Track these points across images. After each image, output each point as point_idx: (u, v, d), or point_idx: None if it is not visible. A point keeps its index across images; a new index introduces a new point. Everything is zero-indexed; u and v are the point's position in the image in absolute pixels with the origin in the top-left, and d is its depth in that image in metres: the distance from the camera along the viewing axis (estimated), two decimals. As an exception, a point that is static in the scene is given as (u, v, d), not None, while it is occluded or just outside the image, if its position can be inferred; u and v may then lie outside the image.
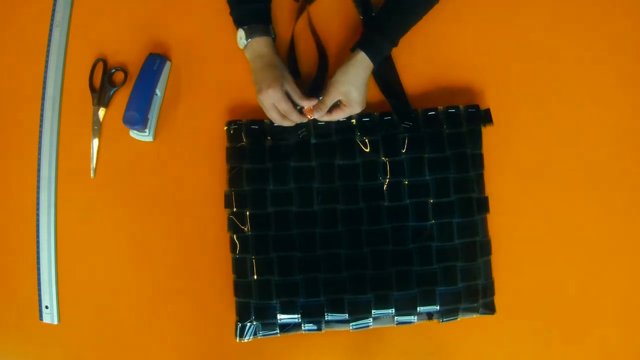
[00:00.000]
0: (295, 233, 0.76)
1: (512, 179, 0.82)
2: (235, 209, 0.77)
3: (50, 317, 0.81)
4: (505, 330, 0.80)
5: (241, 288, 0.76)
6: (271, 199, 0.76)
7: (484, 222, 0.78)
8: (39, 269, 0.82)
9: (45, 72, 0.85)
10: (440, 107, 0.79)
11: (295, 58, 0.83)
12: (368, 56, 0.75)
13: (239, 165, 0.77)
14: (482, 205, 0.78)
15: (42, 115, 0.84)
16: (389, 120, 0.78)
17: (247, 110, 0.83)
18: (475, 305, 0.76)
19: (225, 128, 0.79)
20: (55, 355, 0.82)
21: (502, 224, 0.80)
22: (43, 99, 0.84)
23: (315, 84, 0.81)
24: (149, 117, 0.80)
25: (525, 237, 0.81)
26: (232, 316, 0.78)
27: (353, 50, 0.78)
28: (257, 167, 0.77)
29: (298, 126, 0.78)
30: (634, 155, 0.83)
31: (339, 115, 0.77)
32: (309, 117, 0.77)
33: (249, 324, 0.76)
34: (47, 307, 0.81)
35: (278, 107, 0.74)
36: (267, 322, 0.76)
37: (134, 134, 0.82)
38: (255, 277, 0.76)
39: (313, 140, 0.78)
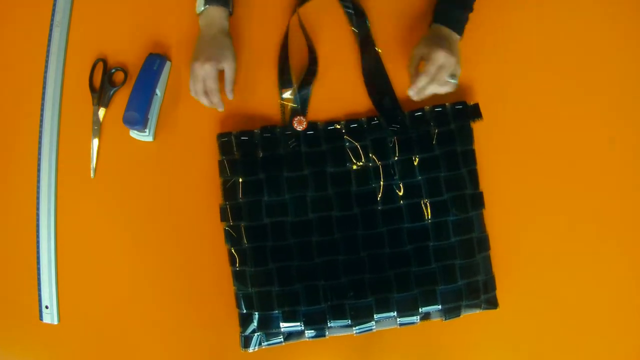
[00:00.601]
0: (292, 243, 0.76)
1: (508, 172, 0.82)
2: (231, 222, 0.77)
3: (50, 317, 0.81)
4: (508, 324, 0.80)
5: (243, 300, 0.77)
6: (266, 210, 0.77)
7: (480, 218, 0.78)
8: (39, 269, 0.82)
9: (45, 72, 0.85)
10: (427, 107, 0.79)
11: (287, 56, 0.82)
12: (450, 29, 0.75)
13: (232, 178, 0.78)
14: (477, 201, 0.78)
15: (42, 115, 0.84)
16: (377, 124, 0.79)
17: (248, 110, 0.83)
18: (477, 301, 0.77)
19: (217, 141, 0.79)
20: (55, 355, 0.82)
21: (500, 219, 0.80)
22: (43, 99, 0.84)
23: (304, 80, 0.81)
24: (149, 117, 0.80)
25: (524, 230, 0.81)
26: (236, 317, 0.78)
27: (432, 26, 0.77)
28: (250, 179, 0.77)
29: (288, 136, 0.78)
30: (625, 146, 0.83)
31: (424, 81, 0.71)
32: (302, 127, 0.78)
33: (253, 335, 0.76)
34: (47, 307, 0.81)
35: (205, 83, 0.74)
36: (270, 331, 0.76)
37: (134, 134, 0.82)
38: (255, 288, 0.76)
39: (304, 150, 0.78)
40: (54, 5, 0.86)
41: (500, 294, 0.79)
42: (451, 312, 0.76)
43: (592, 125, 0.83)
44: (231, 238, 0.77)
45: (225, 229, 0.78)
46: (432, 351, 0.80)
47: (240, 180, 0.77)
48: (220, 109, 0.78)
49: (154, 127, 0.83)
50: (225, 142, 0.78)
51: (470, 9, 0.78)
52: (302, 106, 0.80)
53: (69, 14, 0.86)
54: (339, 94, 0.83)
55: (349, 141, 0.78)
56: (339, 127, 0.79)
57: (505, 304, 0.79)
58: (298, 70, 0.83)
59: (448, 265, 0.76)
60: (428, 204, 0.77)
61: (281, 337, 0.76)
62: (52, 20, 0.86)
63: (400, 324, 0.76)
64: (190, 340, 0.81)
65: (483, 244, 0.78)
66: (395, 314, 0.75)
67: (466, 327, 0.80)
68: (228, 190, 0.78)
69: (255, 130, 0.79)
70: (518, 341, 0.80)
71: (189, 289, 0.81)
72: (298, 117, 0.78)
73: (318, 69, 0.83)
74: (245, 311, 0.76)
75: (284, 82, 0.81)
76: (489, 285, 0.78)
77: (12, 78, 0.86)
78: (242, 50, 0.83)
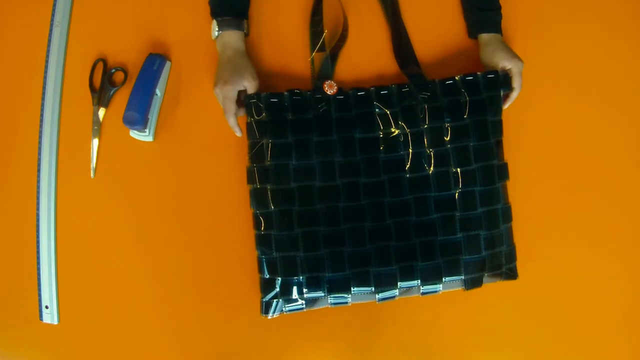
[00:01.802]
0: (319, 208, 0.75)
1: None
2: (258, 185, 0.76)
3: (50, 317, 0.81)
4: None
5: (266, 264, 0.75)
6: (294, 174, 0.75)
7: (504, 189, 0.79)
8: (39, 269, 0.82)
9: (45, 72, 0.85)
10: (457, 76, 0.78)
11: (322, 19, 0.82)
12: (496, 32, 0.81)
13: (260, 140, 0.76)
14: (502, 172, 0.79)
15: (42, 115, 0.84)
16: (407, 91, 0.78)
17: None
18: (499, 272, 0.77)
19: (245, 102, 0.77)
20: (55, 355, 0.82)
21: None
22: (43, 99, 0.84)
23: (336, 46, 0.82)
24: (149, 117, 0.80)
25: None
26: (239, 310, 0.78)
27: (473, 36, 0.84)
28: (279, 141, 0.75)
29: (317, 100, 0.77)
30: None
31: (517, 93, 0.80)
32: (332, 92, 0.77)
33: (273, 300, 0.75)
34: (47, 307, 0.81)
35: (223, 103, 0.75)
36: (291, 297, 0.75)
37: (134, 134, 0.82)
38: (280, 253, 0.75)
39: (334, 114, 0.77)
40: (54, 5, 0.86)
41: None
42: (474, 282, 0.76)
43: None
44: (257, 201, 0.76)
45: (251, 191, 0.77)
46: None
47: (269, 142, 0.75)
48: (238, 134, 0.79)
49: (154, 127, 0.83)
50: (254, 103, 0.76)
51: (500, 7, 0.82)
52: (331, 71, 0.81)
53: (69, 14, 0.86)
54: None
55: (379, 107, 0.77)
56: (369, 93, 0.78)
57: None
58: (329, 36, 0.84)
59: (473, 236, 0.76)
60: (456, 173, 0.76)
61: (302, 303, 0.75)
62: (52, 20, 0.86)
63: (423, 293, 0.76)
64: (190, 340, 0.81)
65: (507, 215, 0.78)
66: (418, 282, 0.75)
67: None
68: (256, 153, 0.77)
69: (285, 93, 0.77)
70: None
71: (188, 288, 0.81)
72: (329, 81, 0.77)
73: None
74: (268, 276, 0.75)
75: (316, 45, 0.81)
76: (510, 256, 0.78)
77: (12, 78, 0.86)
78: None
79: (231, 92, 0.75)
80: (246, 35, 0.81)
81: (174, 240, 0.82)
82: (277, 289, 0.75)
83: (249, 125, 0.77)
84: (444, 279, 0.75)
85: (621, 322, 0.82)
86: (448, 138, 0.77)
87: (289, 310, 0.75)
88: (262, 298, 0.75)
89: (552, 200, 0.84)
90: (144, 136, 0.82)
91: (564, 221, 0.84)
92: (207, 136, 0.83)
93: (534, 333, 0.82)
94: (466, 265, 0.75)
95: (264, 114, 0.76)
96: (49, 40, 0.85)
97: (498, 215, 0.77)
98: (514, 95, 0.80)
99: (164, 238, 0.82)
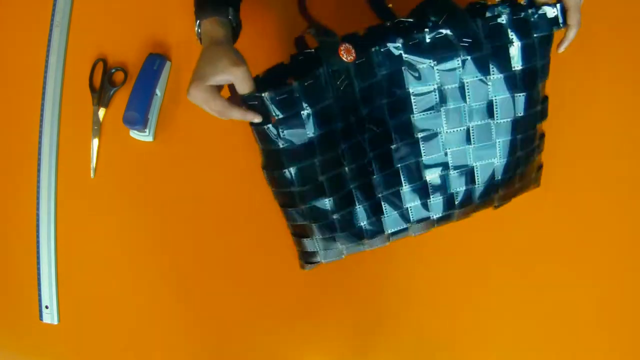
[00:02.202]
0: (351, 187, 0.68)
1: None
2: (279, 189, 0.69)
3: (50, 317, 0.81)
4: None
5: (302, 241, 0.73)
6: (321, 169, 0.66)
7: (541, 127, 0.74)
8: (39, 269, 0.82)
9: (45, 72, 0.85)
10: (502, 13, 0.65)
11: None
12: None
13: (273, 147, 0.64)
14: (544, 112, 0.72)
15: (42, 115, 0.84)
16: (443, 37, 0.64)
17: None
18: (525, 189, 0.77)
19: (245, 105, 0.62)
20: (55, 355, 0.82)
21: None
22: (43, 99, 0.84)
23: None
24: (149, 117, 0.80)
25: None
26: (240, 310, 0.78)
27: None
28: (298, 145, 0.64)
29: (335, 75, 0.62)
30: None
31: (575, 31, 0.67)
32: (351, 58, 0.61)
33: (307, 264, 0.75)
34: (47, 307, 0.81)
35: (208, 108, 0.60)
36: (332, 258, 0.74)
37: (134, 134, 0.82)
38: (316, 236, 0.71)
39: (358, 87, 0.64)
40: (54, 5, 0.86)
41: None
42: (503, 202, 0.75)
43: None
44: (283, 199, 0.69)
45: (269, 174, 0.68)
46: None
47: (285, 148, 0.64)
48: (257, 120, 0.62)
49: (154, 127, 0.83)
50: (256, 105, 0.61)
51: None
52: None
53: (69, 14, 0.86)
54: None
55: (409, 63, 0.65)
56: (396, 46, 0.64)
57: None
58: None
59: (509, 177, 0.72)
60: (498, 125, 0.69)
61: (342, 254, 0.73)
62: (52, 20, 0.86)
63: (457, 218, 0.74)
64: (190, 340, 0.81)
65: (540, 146, 0.75)
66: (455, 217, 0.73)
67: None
68: (270, 161, 0.66)
69: (294, 83, 0.61)
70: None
71: (188, 288, 0.81)
72: (344, 44, 0.61)
73: None
74: (307, 250, 0.72)
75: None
76: (537, 176, 0.77)
77: (12, 78, 0.86)
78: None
79: (202, 93, 0.59)
80: (235, 25, 0.65)
81: (174, 240, 0.82)
82: (318, 257, 0.73)
83: (255, 131, 0.65)
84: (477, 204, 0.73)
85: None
86: (492, 90, 0.67)
87: (327, 260, 0.73)
88: (301, 259, 0.75)
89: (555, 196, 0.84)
90: (144, 136, 0.82)
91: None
92: (207, 136, 0.83)
93: (534, 334, 0.82)
94: (499, 197, 0.73)
95: (272, 115, 0.62)
96: (49, 40, 0.85)
97: (533, 156, 0.73)
98: (571, 34, 0.67)
99: (163, 238, 0.82)
